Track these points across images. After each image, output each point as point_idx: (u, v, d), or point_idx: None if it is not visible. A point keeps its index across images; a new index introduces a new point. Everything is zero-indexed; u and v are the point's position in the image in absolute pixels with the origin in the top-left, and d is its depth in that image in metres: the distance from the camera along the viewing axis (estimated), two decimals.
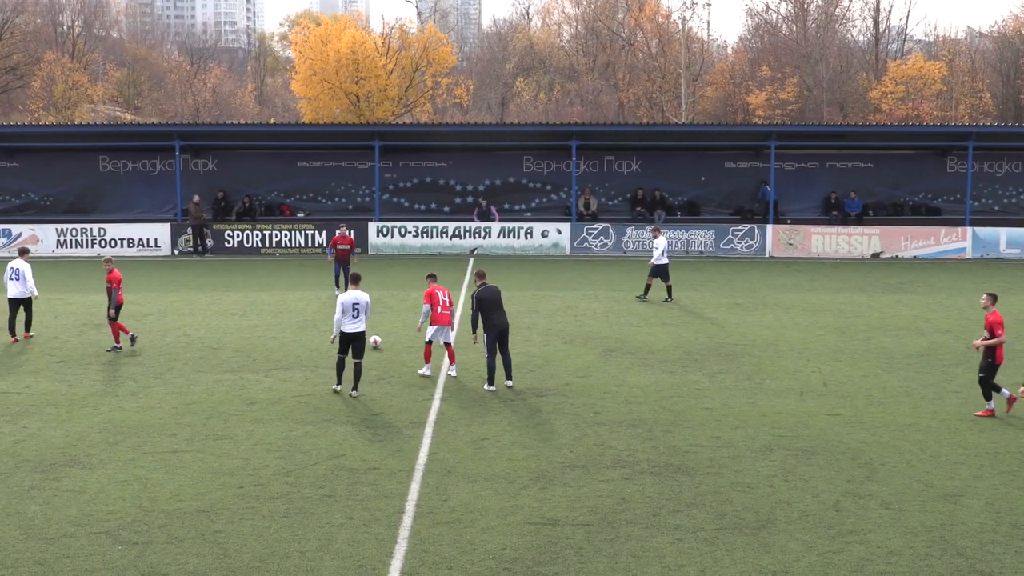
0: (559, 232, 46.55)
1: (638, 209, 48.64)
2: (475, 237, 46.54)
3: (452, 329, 22.65)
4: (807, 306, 31.63)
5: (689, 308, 30.76)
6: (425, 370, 22.30)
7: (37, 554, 12.92)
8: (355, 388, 20.59)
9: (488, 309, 21.43)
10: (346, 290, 29.87)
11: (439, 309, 22.07)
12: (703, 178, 50.10)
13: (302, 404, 20.00)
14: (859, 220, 47.77)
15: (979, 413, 19.28)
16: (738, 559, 12.73)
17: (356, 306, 20.48)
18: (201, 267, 41.93)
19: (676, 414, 19.27)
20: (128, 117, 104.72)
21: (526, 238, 46.45)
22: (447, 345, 22.49)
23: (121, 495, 14.98)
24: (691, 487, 15.33)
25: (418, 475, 15.80)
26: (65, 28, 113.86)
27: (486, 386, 21.31)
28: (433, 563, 12.58)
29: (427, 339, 22.27)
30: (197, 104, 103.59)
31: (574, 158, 47.57)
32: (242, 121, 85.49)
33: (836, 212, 48.34)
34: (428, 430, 18.21)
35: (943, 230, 46.24)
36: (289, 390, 21.03)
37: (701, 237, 46.31)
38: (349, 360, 20.70)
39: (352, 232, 35.35)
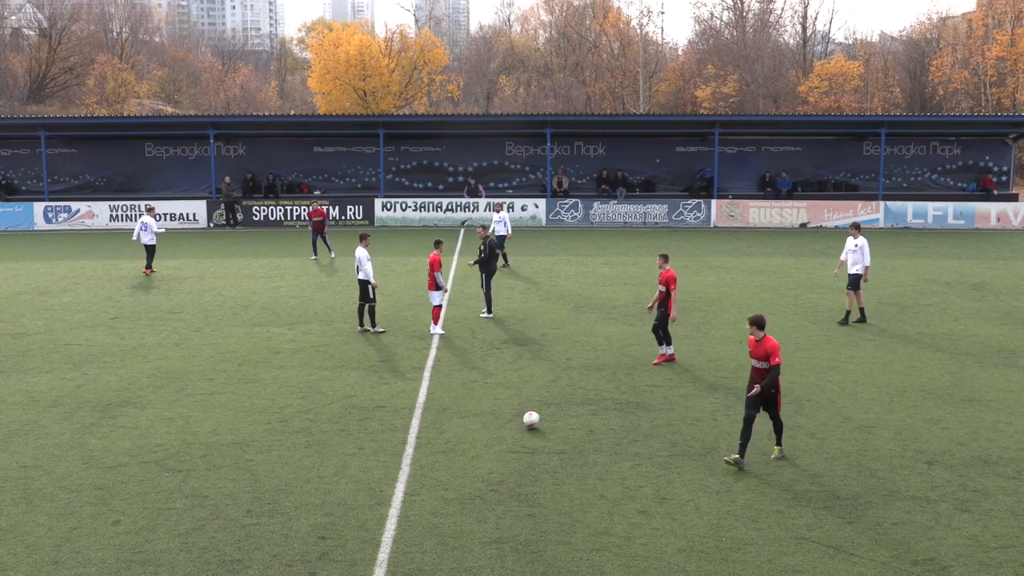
0: (536, 207, 46.40)
1: (603, 187, 48.48)
2: (465, 211, 46.37)
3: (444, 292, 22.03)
4: (746, 268, 31.66)
5: (646, 270, 30.74)
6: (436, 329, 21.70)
7: (97, 480, 12.91)
8: (364, 324, 21.96)
9: (492, 255, 23.65)
10: (316, 255, 32.52)
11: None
12: (658, 160, 49.93)
13: (320, 353, 19.96)
14: (789, 195, 47.73)
15: (657, 360, 18.99)
16: (687, 480, 12.80)
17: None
18: (232, 237, 41.70)
19: (635, 360, 19.30)
20: (169, 110, 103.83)
21: (508, 212, 46.23)
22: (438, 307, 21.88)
23: (167, 430, 14.95)
24: (648, 421, 15.38)
25: (418, 412, 15.81)
26: (114, 34, 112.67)
27: (485, 314, 23.28)
28: (432, 486, 12.61)
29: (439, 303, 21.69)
30: (228, 99, 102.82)
31: (548, 144, 47.38)
32: (266, 113, 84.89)
33: (770, 188, 48.28)
34: (426, 374, 18.20)
35: (860, 203, 46.25)
36: (309, 341, 20.98)
37: (656, 210, 46.21)
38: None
39: (326, 206, 37.22)
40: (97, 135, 50.32)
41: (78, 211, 45.48)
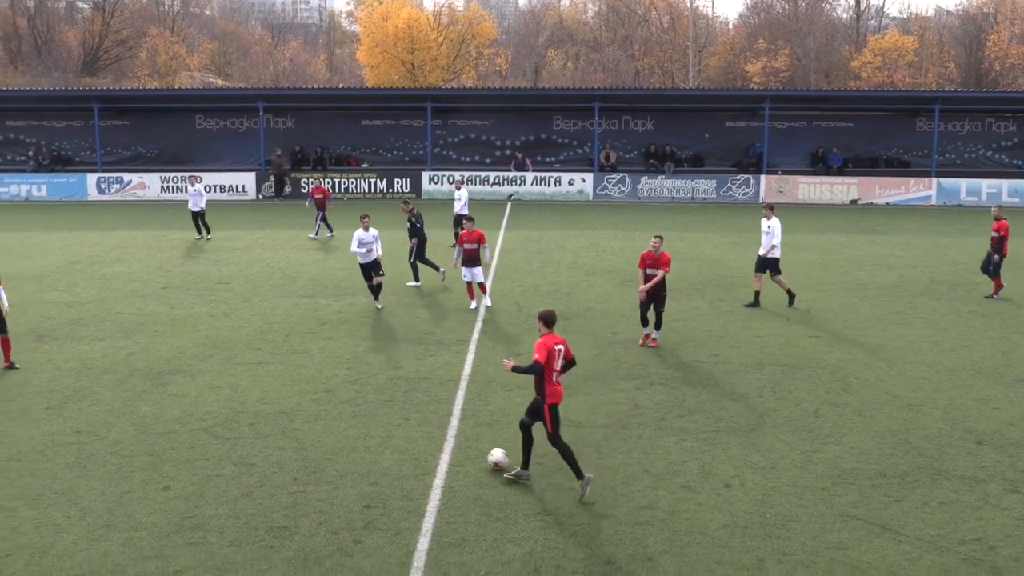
0: (583, 181, 46.22)
1: (651, 162, 48.19)
2: (512, 185, 46.32)
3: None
4: (794, 244, 31.32)
5: (693, 245, 30.56)
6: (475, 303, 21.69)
7: (148, 446, 13.12)
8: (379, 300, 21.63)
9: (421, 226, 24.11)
10: (317, 233, 32.02)
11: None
12: (707, 135, 49.53)
13: (366, 324, 20.09)
14: (840, 171, 47.17)
15: (644, 342, 18.25)
16: (732, 456, 12.75)
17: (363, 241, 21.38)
18: (281, 209, 42.01)
19: (681, 335, 19.21)
20: (219, 82, 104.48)
21: (555, 186, 46.17)
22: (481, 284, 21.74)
23: (216, 398, 15.15)
24: (693, 396, 15.32)
25: (463, 384, 15.87)
26: (166, 7, 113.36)
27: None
28: (476, 457, 12.67)
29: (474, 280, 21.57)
30: (277, 72, 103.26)
31: (596, 118, 47.15)
32: (315, 86, 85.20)
33: (820, 164, 47.75)
34: (472, 347, 18.26)
35: (912, 180, 45.58)
36: (355, 312, 21.12)
37: (704, 186, 45.86)
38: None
39: (328, 183, 38.32)
40: (149, 107, 50.88)
41: (130, 182, 46.04)
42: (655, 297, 18.07)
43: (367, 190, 46.22)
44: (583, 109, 48.87)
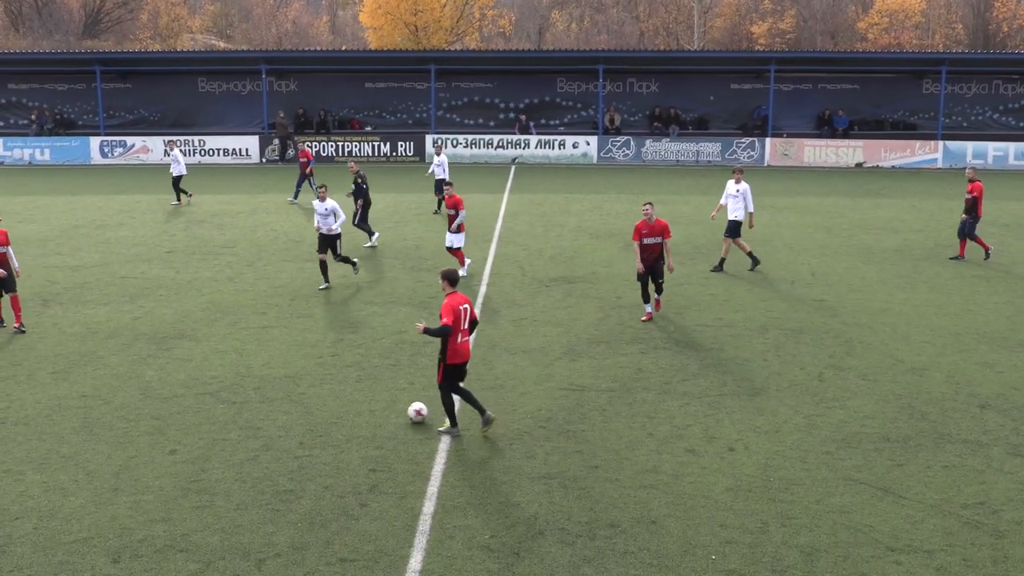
0: (588, 144, 46.04)
1: (655, 124, 48.00)
2: (516, 148, 46.16)
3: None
4: (799, 208, 31.28)
5: (698, 209, 30.48)
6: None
7: (154, 410, 13.18)
8: (329, 280, 20.27)
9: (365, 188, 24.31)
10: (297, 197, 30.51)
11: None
12: (712, 97, 49.25)
13: (370, 288, 20.10)
14: (845, 134, 46.96)
15: (647, 318, 17.53)
16: (736, 420, 12.79)
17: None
18: (284, 173, 41.86)
19: (686, 299, 19.21)
20: (221, 45, 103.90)
21: (559, 149, 45.99)
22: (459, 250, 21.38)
23: (221, 363, 15.20)
24: (697, 360, 15.35)
25: None
26: None
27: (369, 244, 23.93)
28: (481, 420, 12.70)
29: (455, 245, 21.17)
30: (280, 34, 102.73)
31: (601, 80, 46.90)
32: (318, 48, 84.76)
33: (826, 127, 47.53)
34: (477, 310, 18.21)
35: (918, 143, 45.35)
36: (360, 277, 21.09)
37: (709, 148, 45.67)
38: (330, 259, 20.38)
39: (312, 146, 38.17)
40: (151, 70, 50.62)
41: (133, 146, 45.92)
42: (654, 269, 17.41)
43: (370, 153, 46.06)
44: (587, 71, 48.59)
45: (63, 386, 14.17)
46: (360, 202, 24.63)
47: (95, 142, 46.14)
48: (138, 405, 13.36)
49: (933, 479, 11.01)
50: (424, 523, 9.98)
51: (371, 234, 24.75)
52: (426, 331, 11.75)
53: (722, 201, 22.12)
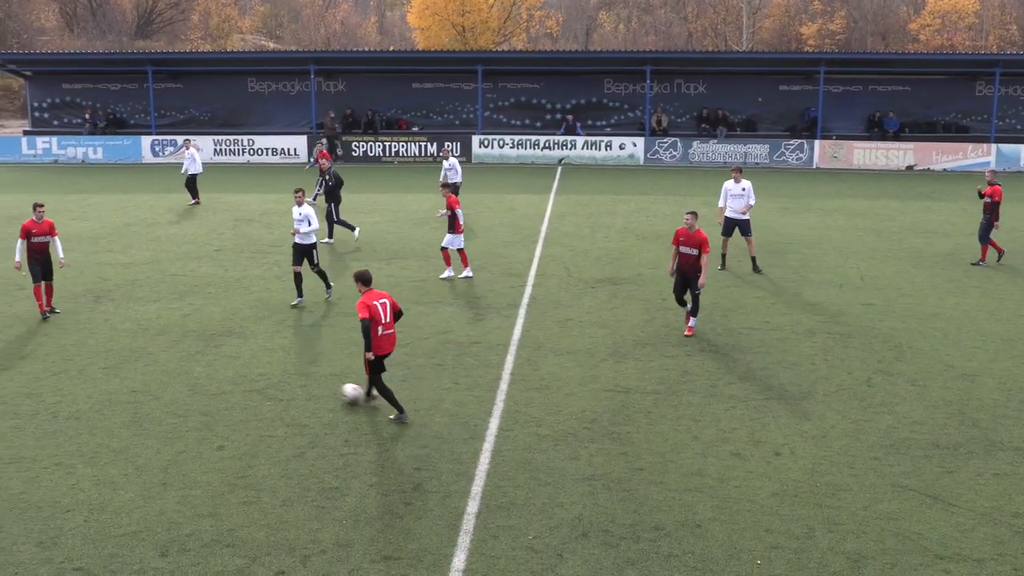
0: (634, 145, 45.88)
1: (703, 126, 47.74)
2: (562, 149, 46.12)
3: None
4: (848, 211, 30.96)
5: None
6: (449, 273, 21.08)
7: (202, 406, 13.33)
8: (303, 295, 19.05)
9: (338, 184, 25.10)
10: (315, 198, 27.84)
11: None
12: (760, 99, 48.85)
13: (416, 288, 20.18)
14: (896, 137, 46.41)
15: (689, 332, 16.75)
16: (783, 424, 12.68)
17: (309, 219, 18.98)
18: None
19: (732, 301, 19.09)
20: (271, 45, 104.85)
21: (606, 150, 45.89)
22: (461, 251, 21.20)
23: (269, 360, 15.33)
24: (743, 363, 15.24)
25: (513, 349, 15.91)
26: None
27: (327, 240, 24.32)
28: (525, 421, 12.73)
29: (448, 246, 20.96)
30: (328, 34, 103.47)
31: (648, 81, 46.73)
32: (366, 49, 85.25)
33: (876, 129, 46.99)
34: (522, 311, 18.28)
35: (970, 146, 44.69)
36: (405, 276, 21.21)
37: (757, 150, 45.35)
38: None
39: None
40: (201, 70, 51.17)
41: (183, 145, 46.42)
42: (689, 278, 16.68)
43: (417, 153, 46.25)
44: (635, 72, 48.43)
45: (114, 381, 14.38)
46: (327, 197, 25.43)
47: (146, 141, 46.75)
48: (187, 401, 13.53)
49: (984, 487, 10.85)
50: (468, 522, 10.00)
51: (352, 228, 25.34)
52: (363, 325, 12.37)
53: (721, 203, 22.08)
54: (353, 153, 46.32)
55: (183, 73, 50.66)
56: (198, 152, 33.14)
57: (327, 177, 25.61)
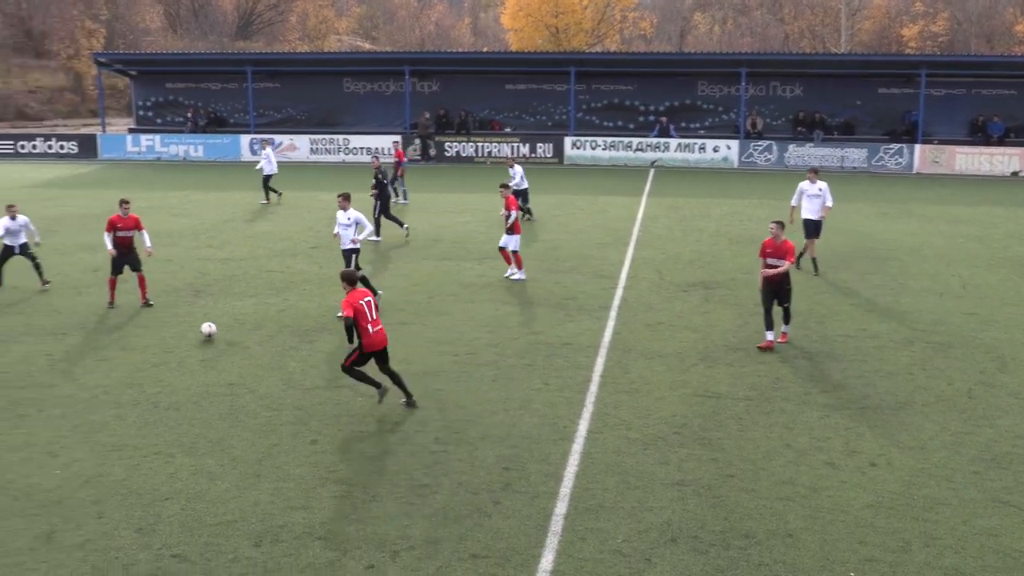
0: (728, 148, 45.38)
1: (799, 129, 47.02)
2: (655, 151, 45.83)
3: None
4: (949, 217, 30.17)
5: (842, 217, 29.68)
6: (512, 272, 20.97)
7: (296, 400, 13.56)
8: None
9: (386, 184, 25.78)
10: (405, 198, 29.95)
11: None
12: (858, 102, 47.89)
13: (507, 288, 20.23)
14: (1001, 142, 45.07)
15: (765, 345, 16.04)
16: (878, 434, 12.41)
17: (359, 222, 18.96)
18: (425, 172, 42.57)
19: (828, 308, 18.75)
20: (366, 46, 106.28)
21: (699, 152, 45.47)
22: (516, 252, 21.04)
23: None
24: (838, 371, 14.95)
25: (603, 351, 15.86)
26: None
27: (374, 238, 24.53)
28: (615, 424, 12.67)
29: (505, 246, 20.89)
30: (423, 35, 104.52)
31: (743, 83, 46.17)
32: (460, 50, 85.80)
33: (980, 134, 45.71)
34: (612, 314, 18.21)
35: None
36: (496, 276, 21.28)
37: (855, 154, 44.47)
38: None
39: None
40: (299, 70, 52.10)
41: (280, 143, 47.32)
42: (779, 291, 16.10)
43: (509, 154, 46.39)
44: (729, 74, 47.90)
45: (211, 374, 14.71)
46: (377, 196, 26.10)
47: (245, 139, 47.76)
48: (281, 395, 13.77)
49: None
50: (556, 523, 9.99)
51: (401, 224, 26.05)
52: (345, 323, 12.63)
53: (794, 202, 22.07)
54: (446, 153, 46.69)
55: (281, 73, 51.65)
56: (274, 152, 33.68)
57: (379, 176, 26.28)
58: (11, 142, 50.02)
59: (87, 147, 49.08)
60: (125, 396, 13.74)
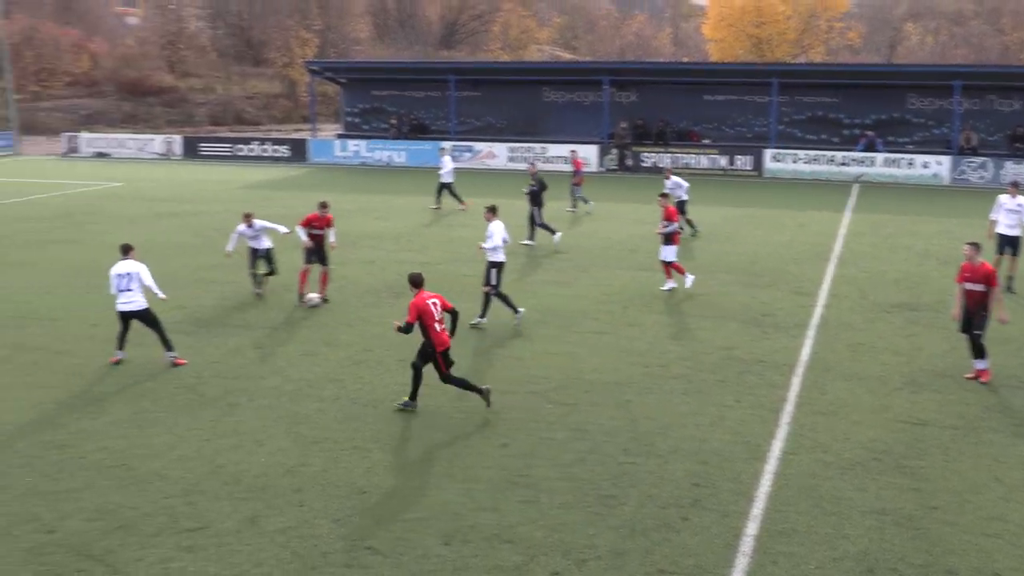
0: (939, 164, 43.33)
1: (1016, 145, 44.44)
2: (859, 165, 44.26)
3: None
4: None
5: None
6: (676, 284, 20.99)
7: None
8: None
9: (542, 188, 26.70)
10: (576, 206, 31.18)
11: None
12: None
13: (702, 302, 19.95)
14: None
15: (974, 375, 14.98)
16: None
17: (504, 239, 18.60)
18: (621, 182, 42.53)
19: None
20: (566, 56, 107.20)
21: (908, 168, 43.62)
22: (673, 263, 20.96)
23: (552, 364, 15.61)
24: None
25: (800, 370, 15.41)
26: None
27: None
28: (810, 446, 12.29)
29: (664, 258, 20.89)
30: (623, 45, 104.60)
31: (956, 97, 44.04)
32: (660, 60, 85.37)
33: None
34: (810, 332, 17.67)
35: None
36: (692, 289, 20.99)
37: None
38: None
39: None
40: (499, 79, 53.00)
41: (479, 151, 48.23)
42: (973, 317, 14.82)
43: (707, 166, 45.80)
44: (942, 87, 45.75)
45: (407, 373, 15.04)
46: (531, 200, 26.70)
47: (450, 146, 48.85)
48: (473, 398, 13.98)
49: None
50: (746, 544, 9.76)
51: (553, 232, 26.37)
52: (399, 329, 13.00)
53: (993, 215, 21.30)
54: (642, 164, 46.51)
55: (482, 81, 52.64)
56: (451, 160, 34.20)
57: (533, 182, 26.86)
58: (229, 145, 52.92)
59: (298, 151, 51.40)
60: (327, 391, 14.28)
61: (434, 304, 13.17)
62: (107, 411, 13.45)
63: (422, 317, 12.96)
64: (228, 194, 37.08)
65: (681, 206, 27.10)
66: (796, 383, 14.76)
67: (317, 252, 19.85)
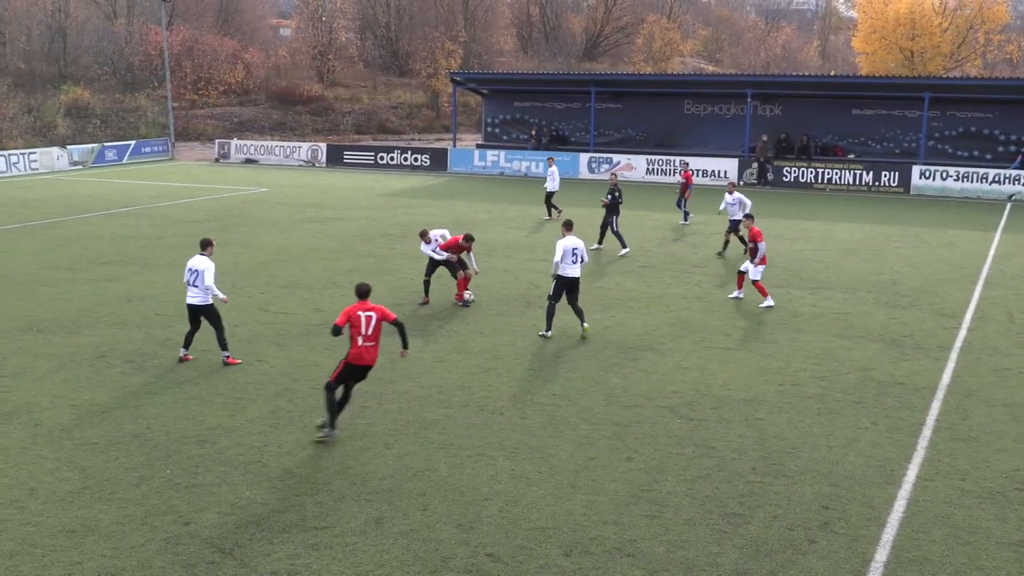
0: None
1: None
2: (1014, 184, 42.41)
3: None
4: None
5: None
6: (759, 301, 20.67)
7: (615, 417, 13.72)
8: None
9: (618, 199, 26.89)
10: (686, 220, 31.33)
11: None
12: None
13: (839, 320, 19.46)
14: None
15: None
16: None
17: (575, 251, 17.88)
18: (761, 196, 41.72)
19: None
20: (710, 68, 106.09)
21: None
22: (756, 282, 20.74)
23: (682, 379, 15.47)
24: None
25: (940, 394, 14.88)
26: None
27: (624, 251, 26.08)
28: (948, 472, 11.85)
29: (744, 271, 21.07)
30: (768, 58, 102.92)
31: None
32: (806, 73, 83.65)
33: None
34: (953, 355, 17.04)
35: None
36: (829, 307, 20.53)
37: None
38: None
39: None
40: (641, 91, 52.75)
41: (618, 163, 48.11)
42: None
43: (851, 182, 44.60)
44: None
45: (536, 383, 15.19)
46: (608, 209, 26.94)
47: (584, 158, 48.95)
48: (601, 409, 13.98)
49: None
50: (875, 571, 9.48)
51: (624, 244, 26.53)
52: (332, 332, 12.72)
53: None
54: (784, 179, 45.61)
55: (624, 94, 52.51)
56: (557, 170, 34.09)
57: (615, 193, 27.09)
58: (372, 153, 54.12)
59: (438, 160, 52.22)
60: (456, 397, 14.48)
61: (368, 317, 12.72)
62: (246, 409, 13.95)
63: (350, 325, 12.67)
64: (368, 201, 37.94)
65: (735, 225, 26.18)
66: (936, 407, 14.26)
67: (460, 261, 20.63)
